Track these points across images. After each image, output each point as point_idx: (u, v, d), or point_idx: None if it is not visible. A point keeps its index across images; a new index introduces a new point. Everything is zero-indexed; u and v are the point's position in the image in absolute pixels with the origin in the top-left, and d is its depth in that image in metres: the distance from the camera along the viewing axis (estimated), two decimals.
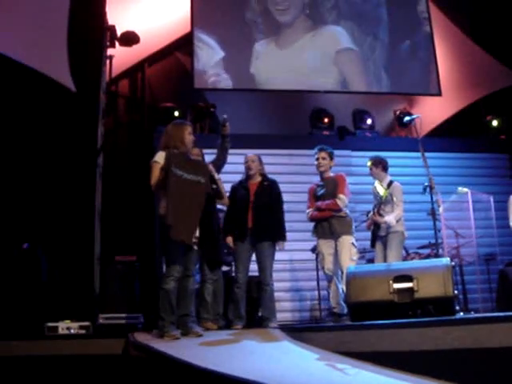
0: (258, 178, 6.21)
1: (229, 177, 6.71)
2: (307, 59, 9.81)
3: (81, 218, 7.61)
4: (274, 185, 6.22)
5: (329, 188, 6.28)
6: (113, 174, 8.38)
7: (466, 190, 8.35)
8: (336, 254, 6.19)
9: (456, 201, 8.65)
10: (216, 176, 5.79)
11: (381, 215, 6.36)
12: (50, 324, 5.97)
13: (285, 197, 6.39)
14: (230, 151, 6.27)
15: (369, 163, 6.81)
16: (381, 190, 6.47)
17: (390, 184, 6.58)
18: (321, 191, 6.33)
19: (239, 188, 6.27)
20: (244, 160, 6.33)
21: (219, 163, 6.10)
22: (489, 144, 9.97)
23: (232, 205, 6.20)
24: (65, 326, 5.98)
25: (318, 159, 6.43)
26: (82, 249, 7.50)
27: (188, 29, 9.63)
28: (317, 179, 6.57)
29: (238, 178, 6.54)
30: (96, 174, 7.82)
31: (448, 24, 10.91)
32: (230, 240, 6.13)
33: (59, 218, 7.50)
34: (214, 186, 5.66)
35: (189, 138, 5.25)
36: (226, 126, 5.94)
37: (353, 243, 6.18)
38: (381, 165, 6.75)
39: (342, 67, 9.93)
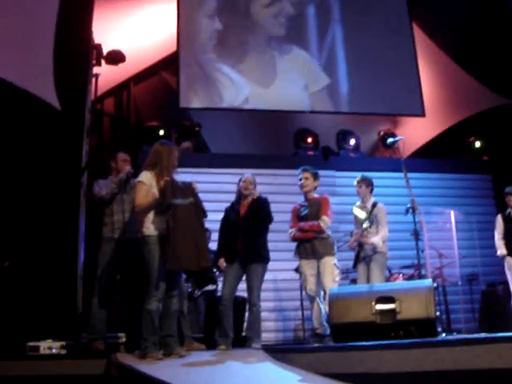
0: (249, 199, 6.20)
1: (213, 196, 6.72)
2: (291, 80, 9.91)
3: (64, 237, 7.54)
4: (262, 205, 6.19)
5: (312, 209, 6.29)
6: None
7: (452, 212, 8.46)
8: (318, 275, 6.19)
9: (439, 221, 8.72)
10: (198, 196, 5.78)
11: (367, 236, 6.41)
12: (32, 343, 5.90)
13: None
14: (214, 170, 6.28)
15: (358, 181, 6.82)
16: (361, 214, 6.53)
17: (374, 205, 6.61)
18: (304, 212, 6.34)
19: (231, 210, 6.25)
20: (240, 179, 6.28)
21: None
22: (472, 165, 10.07)
23: (224, 227, 6.20)
24: (46, 346, 5.88)
25: (301, 180, 6.45)
26: (64, 267, 7.42)
27: (174, 48, 9.69)
28: (301, 199, 6.58)
29: (222, 196, 6.54)
30: (80, 192, 7.78)
31: (431, 46, 11.05)
32: (222, 262, 6.13)
33: (42, 236, 7.42)
34: None
35: (176, 162, 5.29)
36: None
37: (335, 264, 6.19)
38: (370, 186, 6.79)
39: (326, 89, 10.04)
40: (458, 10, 10.09)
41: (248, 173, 6.43)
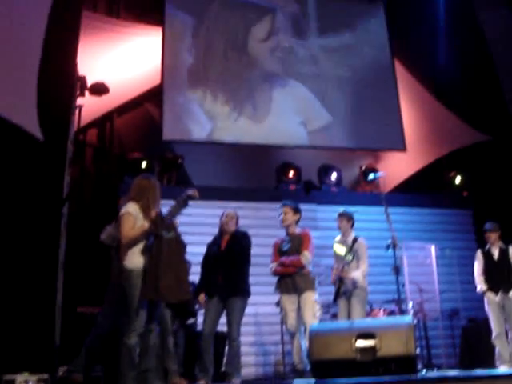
0: (230, 234, 6.20)
1: (195, 228, 6.71)
2: (274, 114, 10.01)
3: (43, 268, 7.47)
4: (242, 238, 6.19)
5: (294, 244, 6.29)
6: (78, 224, 8.30)
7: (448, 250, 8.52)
8: (299, 310, 6.17)
9: (420, 256, 8.76)
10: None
11: (347, 271, 6.43)
12: (8, 377, 5.79)
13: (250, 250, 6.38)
14: (196, 203, 6.26)
15: (339, 216, 6.85)
16: (341, 251, 6.55)
17: (354, 240, 6.64)
18: (285, 246, 6.35)
19: (213, 245, 6.25)
20: (222, 215, 6.30)
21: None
22: (452, 200, 10.15)
23: (205, 262, 6.20)
24: (23, 379, 5.78)
25: (281, 214, 6.47)
26: (43, 299, 7.34)
27: (158, 80, 9.75)
28: (283, 233, 6.59)
29: (203, 229, 6.53)
30: (61, 223, 7.73)
31: (413, 82, 11.22)
32: (202, 297, 6.13)
33: (21, 266, 7.35)
34: None
35: (160, 196, 5.31)
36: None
37: (316, 300, 6.18)
38: (351, 221, 6.83)
39: (309, 123, 10.13)
40: (439, 46, 10.28)
41: (230, 208, 6.45)
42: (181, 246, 5.25)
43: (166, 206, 5.91)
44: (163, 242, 5.05)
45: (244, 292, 6.03)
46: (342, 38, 10.98)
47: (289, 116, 10.11)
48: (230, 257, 6.03)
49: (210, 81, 9.98)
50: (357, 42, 11.03)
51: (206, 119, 9.73)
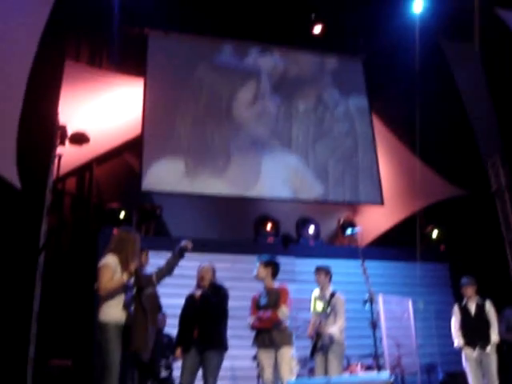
0: (206, 287, 6.16)
1: (173, 280, 6.62)
2: (252, 168, 10.13)
3: (17, 318, 7.35)
4: (218, 291, 6.16)
5: (271, 298, 6.25)
6: (53, 274, 8.20)
7: (422, 303, 8.50)
8: (276, 366, 6.10)
9: (397, 310, 8.74)
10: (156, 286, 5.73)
11: (324, 326, 6.40)
12: None
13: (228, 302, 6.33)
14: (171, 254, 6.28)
15: (317, 270, 6.86)
16: (319, 306, 6.54)
17: (332, 295, 6.63)
18: (263, 301, 6.30)
19: (189, 299, 6.20)
20: (198, 269, 6.27)
21: (164, 276, 6.10)
22: (429, 254, 10.20)
23: (182, 315, 6.14)
24: None
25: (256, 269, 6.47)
26: (15, 350, 7.21)
27: (138, 131, 9.81)
28: (260, 286, 6.55)
29: (181, 281, 6.48)
30: (36, 273, 7.64)
31: (390, 136, 11.41)
32: (178, 353, 6.06)
33: None
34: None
35: (139, 248, 5.30)
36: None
37: (293, 355, 6.12)
38: (329, 275, 6.83)
39: (289, 177, 10.26)
40: (416, 102, 10.47)
41: (207, 260, 6.43)
42: (158, 301, 5.23)
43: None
44: (143, 298, 5.03)
45: (220, 346, 5.97)
46: (323, 94, 11.19)
47: (270, 175, 10.25)
48: (205, 310, 5.97)
49: (190, 140, 10.13)
50: (337, 98, 11.26)
51: (185, 172, 9.79)
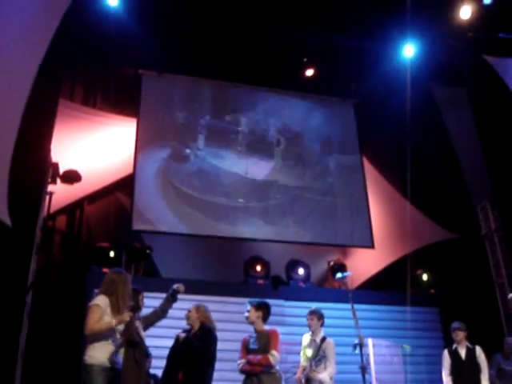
0: (196, 328, 6.11)
1: (162, 321, 6.58)
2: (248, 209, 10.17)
3: (2, 357, 7.22)
4: (205, 335, 6.09)
5: (261, 342, 6.19)
6: (41, 313, 8.11)
7: (409, 346, 8.43)
8: None
9: (387, 354, 8.68)
10: (142, 333, 5.66)
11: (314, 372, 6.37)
12: None
13: (217, 345, 6.26)
14: (163, 295, 6.25)
15: (310, 313, 6.83)
16: (309, 346, 6.50)
17: (323, 339, 6.60)
18: (253, 344, 6.25)
19: (175, 340, 6.10)
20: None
21: (158, 319, 6.07)
22: (419, 298, 10.15)
23: (169, 355, 6.04)
24: None
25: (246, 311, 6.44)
26: None
27: (130, 170, 9.83)
28: (250, 328, 6.51)
29: (171, 322, 6.43)
30: (23, 312, 7.55)
31: (381, 180, 11.48)
32: None
33: None
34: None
35: (130, 290, 5.28)
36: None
37: None
38: (321, 320, 6.81)
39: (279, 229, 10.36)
40: (406, 146, 10.57)
41: (196, 301, 6.40)
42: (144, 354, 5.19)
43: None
44: (138, 349, 4.99)
45: None
46: (314, 138, 11.32)
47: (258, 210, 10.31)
48: (189, 355, 5.86)
49: (181, 180, 10.16)
50: (328, 141, 11.38)
51: (175, 213, 9.81)
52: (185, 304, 6.37)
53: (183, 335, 6.01)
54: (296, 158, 11.10)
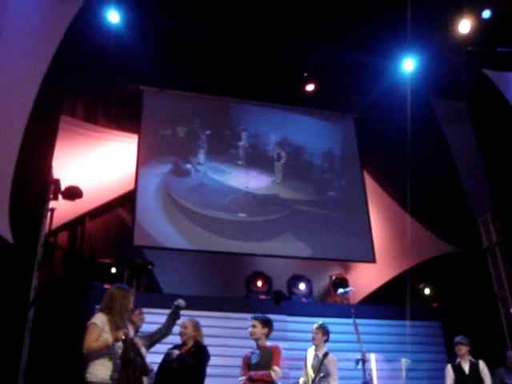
0: (190, 344, 6.09)
1: None
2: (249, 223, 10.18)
3: (3, 374, 7.20)
4: (200, 352, 6.08)
5: (263, 357, 6.18)
6: (42, 330, 8.09)
7: (408, 360, 8.38)
8: None
9: (390, 369, 8.64)
10: (142, 350, 5.62)
11: None
12: None
13: (219, 360, 6.28)
14: (165, 311, 6.24)
15: (317, 328, 6.80)
16: (313, 360, 6.49)
17: (325, 355, 6.57)
18: (255, 360, 6.24)
19: (167, 356, 6.07)
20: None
21: (163, 336, 6.05)
22: (422, 312, 10.12)
23: (158, 373, 6.00)
24: None
25: (250, 327, 6.42)
26: None
27: (132, 186, 9.85)
28: (252, 343, 6.49)
29: (172, 338, 6.40)
30: (25, 328, 7.53)
31: (382, 194, 11.49)
32: None
33: None
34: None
35: (131, 306, 5.26)
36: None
37: None
38: (326, 336, 6.77)
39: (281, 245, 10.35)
40: (408, 161, 10.59)
41: (199, 317, 6.38)
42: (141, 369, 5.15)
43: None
44: (132, 367, 4.95)
45: None
46: (315, 152, 11.36)
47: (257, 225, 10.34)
48: (182, 372, 5.84)
49: (182, 195, 10.19)
50: (329, 156, 11.41)
51: (177, 228, 9.82)
52: (185, 320, 6.36)
53: (176, 352, 5.99)
54: (297, 172, 11.12)
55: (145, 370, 5.32)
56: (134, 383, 4.90)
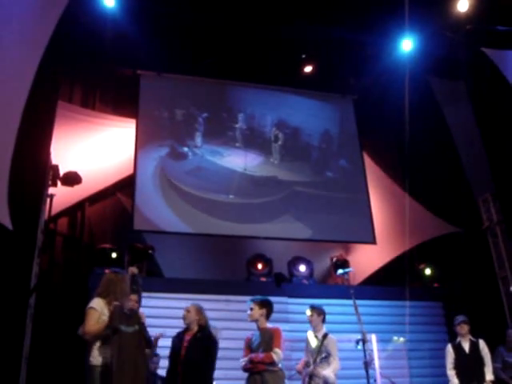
0: (194, 329, 6.10)
1: (165, 321, 6.61)
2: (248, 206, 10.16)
3: (6, 361, 7.22)
4: (207, 338, 6.10)
5: (264, 339, 6.20)
6: (44, 316, 8.11)
7: (402, 339, 8.41)
8: None
9: (391, 349, 8.68)
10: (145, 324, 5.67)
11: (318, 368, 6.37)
12: None
13: (221, 343, 6.27)
14: (166, 295, 6.25)
15: (310, 311, 6.83)
16: (314, 341, 6.49)
17: (324, 336, 6.59)
18: (256, 342, 6.27)
19: (176, 340, 6.10)
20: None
21: None
22: (423, 292, 10.15)
23: (171, 356, 6.02)
24: None
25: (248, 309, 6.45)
26: None
27: (131, 170, 9.84)
28: (253, 326, 6.51)
29: (173, 322, 6.44)
30: (27, 315, 7.55)
31: (381, 175, 11.47)
32: None
33: None
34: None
35: (128, 290, 5.26)
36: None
37: None
38: (322, 315, 6.80)
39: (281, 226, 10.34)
40: (407, 141, 10.56)
41: (200, 300, 6.39)
42: (143, 342, 5.15)
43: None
44: (121, 338, 4.96)
45: None
46: (313, 133, 11.32)
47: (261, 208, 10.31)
48: (191, 359, 5.87)
49: (180, 179, 10.17)
50: (328, 137, 11.36)
51: (176, 212, 9.81)
52: (188, 304, 6.38)
53: (188, 337, 6.01)
54: (294, 153, 11.09)
55: (148, 342, 5.35)
56: (126, 352, 4.91)
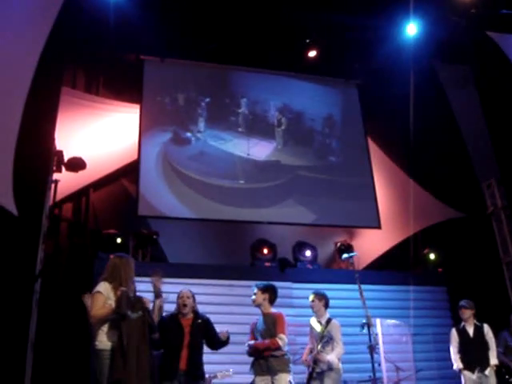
0: (190, 315, 6.12)
1: (168, 306, 6.59)
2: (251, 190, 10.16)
3: (12, 347, 7.25)
4: (208, 323, 6.15)
5: (267, 324, 6.24)
6: (49, 301, 8.15)
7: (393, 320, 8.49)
8: None
9: (396, 333, 8.70)
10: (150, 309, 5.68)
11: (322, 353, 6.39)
12: None
13: (224, 328, 6.29)
14: (171, 280, 6.26)
15: (312, 297, 6.86)
16: (317, 327, 6.51)
17: (328, 321, 6.62)
18: (260, 327, 6.31)
19: (171, 324, 6.04)
20: (178, 295, 6.20)
21: None
22: (427, 277, 10.17)
23: (165, 342, 5.95)
24: None
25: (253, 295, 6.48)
26: (11, 379, 7.10)
27: (135, 156, 9.84)
28: (257, 311, 6.54)
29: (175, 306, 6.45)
30: (32, 300, 7.59)
31: (386, 160, 11.45)
32: None
33: None
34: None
35: (133, 274, 5.29)
36: None
37: (290, 382, 6.09)
38: (324, 300, 6.82)
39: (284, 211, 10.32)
40: (412, 126, 10.53)
41: (204, 285, 6.43)
42: (146, 328, 5.16)
43: (143, 283, 5.93)
44: (127, 323, 4.99)
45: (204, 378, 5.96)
46: (316, 118, 11.28)
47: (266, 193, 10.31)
48: (196, 342, 5.95)
49: (183, 164, 10.16)
50: (332, 122, 11.34)
51: (179, 198, 9.83)
52: (193, 289, 6.40)
53: (190, 316, 6.04)
54: (298, 138, 11.05)
55: (152, 327, 5.37)
56: (131, 338, 4.94)
